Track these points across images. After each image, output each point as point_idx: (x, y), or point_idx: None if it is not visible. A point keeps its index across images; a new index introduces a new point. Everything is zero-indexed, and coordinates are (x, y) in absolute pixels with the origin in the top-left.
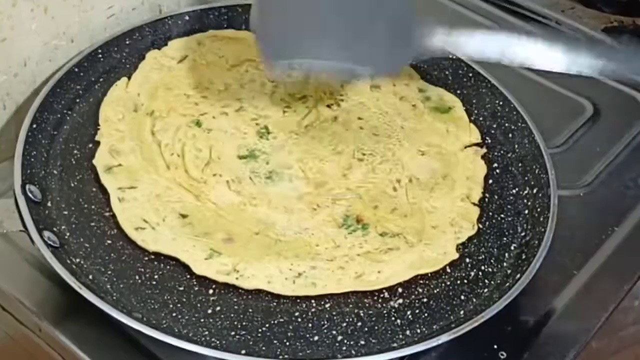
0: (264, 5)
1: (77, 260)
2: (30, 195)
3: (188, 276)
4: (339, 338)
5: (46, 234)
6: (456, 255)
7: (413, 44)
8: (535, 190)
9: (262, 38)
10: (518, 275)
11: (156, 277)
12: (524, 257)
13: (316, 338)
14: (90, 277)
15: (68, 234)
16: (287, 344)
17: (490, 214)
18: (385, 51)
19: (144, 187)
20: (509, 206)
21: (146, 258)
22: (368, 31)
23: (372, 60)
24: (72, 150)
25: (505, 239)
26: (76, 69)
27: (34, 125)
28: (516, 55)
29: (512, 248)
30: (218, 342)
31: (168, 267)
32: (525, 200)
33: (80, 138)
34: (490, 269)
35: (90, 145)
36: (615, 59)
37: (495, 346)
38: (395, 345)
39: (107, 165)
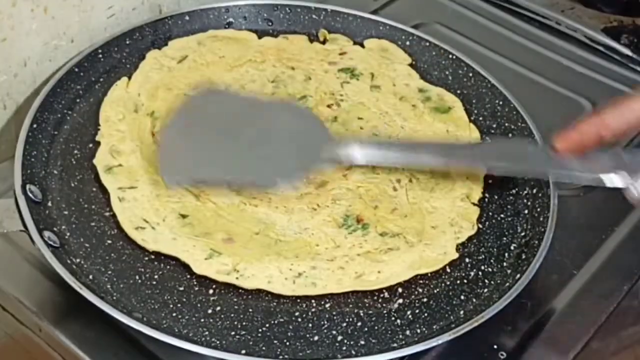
0: (167, 132)
1: (77, 260)
2: (30, 195)
3: (188, 276)
4: (339, 338)
5: (46, 233)
6: (456, 255)
7: (319, 158)
8: (535, 190)
9: (162, 159)
10: (518, 275)
11: (156, 277)
12: (523, 257)
13: (316, 338)
14: (91, 277)
15: (68, 233)
16: (287, 344)
17: (490, 213)
18: (285, 167)
19: (144, 187)
20: (508, 206)
21: (146, 258)
22: (267, 152)
23: (270, 176)
24: (72, 150)
25: (505, 238)
26: (76, 69)
27: (34, 125)
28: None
29: (512, 248)
30: (218, 342)
31: (168, 267)
32: (525, 200)
33: (80, 138)
34: (490, 269)
35: (91, 145)
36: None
37: (495, 346)
38: (395, 345)
39: (108, 165)
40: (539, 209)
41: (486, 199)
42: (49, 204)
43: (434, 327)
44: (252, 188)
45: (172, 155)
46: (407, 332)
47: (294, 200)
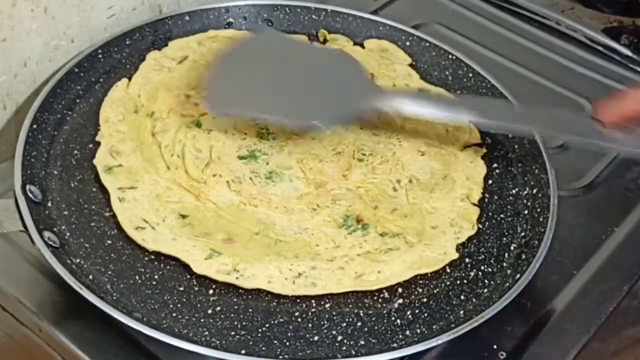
0: (218, 64)
1: (77, 260)
2: (30, 195)
3: (188, 276)
4: (339, 338)
5: (46, 234)
6: (456, 256)
7: (358, 103)
8: (535, 191)
9: (208, 89)
10: (518, 275)
11: (156, 277)
12: (523, 257)
13: (316, 338)
14: (91, 277)
15: (68, 234)
16: (287, 344)
17: (490, 214)
18: (326, 109)
19: (144, 187)
20: (508, 206)
21: (146, 258)
22: (311, 94)
23: (310, 116)
24: (72, 151)
25: (505, 239)
26: (76, 69)
27: (34, 126)
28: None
29: (512, 248)
30: (218, 342)
31: (168, 267)
32: (525, 201)
33: (80, 138)
34: (490, 269)
35: (91, 146)
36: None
37: (495, 346)
38: (395, 345)
39: (108, 166)
40: (538, 210)
41: (486, 199)
42: (49, 204)
43: (434, 327)
44: (288, 126)
45: (218, 87)
46: (407, 332)
47: (294, 200)
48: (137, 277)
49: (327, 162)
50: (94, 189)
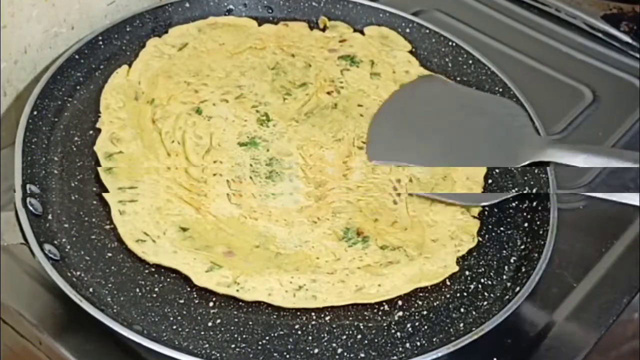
0: (381, 112)
1: (78, 273)
2: (30, 208)
3: (188, 289)
4: (339, 351)
5: (47, 246)
6: (456, 268)
7: (520, 155)
8: (534, 204)
9: (370, 141)
10: (518, 288)
11: (157, 289)
12: (523, 269)
13: (316, 351)
14: (91, 289)
15: (68, 246)
16: (287, 356)
17: (490, 226)
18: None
19: (145, 201)
20: (508, 219)
21: (147, 271)
22: (475, 145)
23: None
24: (72, 137)
25: (505, 251)
26: (76, 56)
27: (35, 113)
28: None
29: (512, 261)
30: (218, 354)
31: (168, 279)
32: (524, 213)
33: (80, 125)
34: (490, 282)
35: (91, 132)
36: None
37: (495, 359)
38: (395, 358)
39: (108, 152)
40: (538, 222)
41: (486, 212)
42: (50, 216)
43: (434, 339)
44: None
45: (381, 135)
46: (407, 345)
47: (294, 213)
48: (137, 290)
49: (327, 148)
50: (95, 202)
